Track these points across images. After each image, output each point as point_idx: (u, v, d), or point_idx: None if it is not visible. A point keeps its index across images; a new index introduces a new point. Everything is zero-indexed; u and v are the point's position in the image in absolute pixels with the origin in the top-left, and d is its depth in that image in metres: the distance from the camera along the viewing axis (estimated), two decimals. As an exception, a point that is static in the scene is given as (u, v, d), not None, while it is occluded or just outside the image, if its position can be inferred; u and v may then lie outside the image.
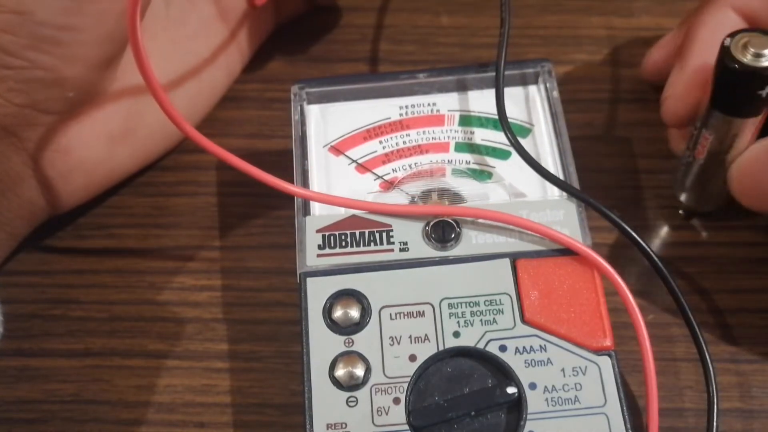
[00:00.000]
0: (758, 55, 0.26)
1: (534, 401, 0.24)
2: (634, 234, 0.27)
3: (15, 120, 0.27)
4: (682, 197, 0.31)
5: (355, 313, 0.26)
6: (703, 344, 0.26)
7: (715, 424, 0.25)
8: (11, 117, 0.27)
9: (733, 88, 0.27)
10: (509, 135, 0.28)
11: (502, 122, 0.29)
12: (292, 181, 0.28)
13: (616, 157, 0.33)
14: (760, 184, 0.28)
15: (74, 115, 0.29)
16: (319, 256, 0.27)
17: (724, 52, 0.26)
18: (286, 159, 0.29)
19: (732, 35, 0.26)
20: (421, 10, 0.38)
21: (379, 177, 0.29)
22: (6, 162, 0.27)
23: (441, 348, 0.25)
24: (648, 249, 0.27)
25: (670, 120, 0.30)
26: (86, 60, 0.27)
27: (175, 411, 0.29)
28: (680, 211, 0.31)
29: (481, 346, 0.25)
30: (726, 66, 0.26)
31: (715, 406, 0.25)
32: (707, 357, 0.26)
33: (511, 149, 0.29)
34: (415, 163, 0.29)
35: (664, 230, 0.32)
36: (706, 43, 0.29)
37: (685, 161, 0.30)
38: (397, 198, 0.29)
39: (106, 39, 0.27)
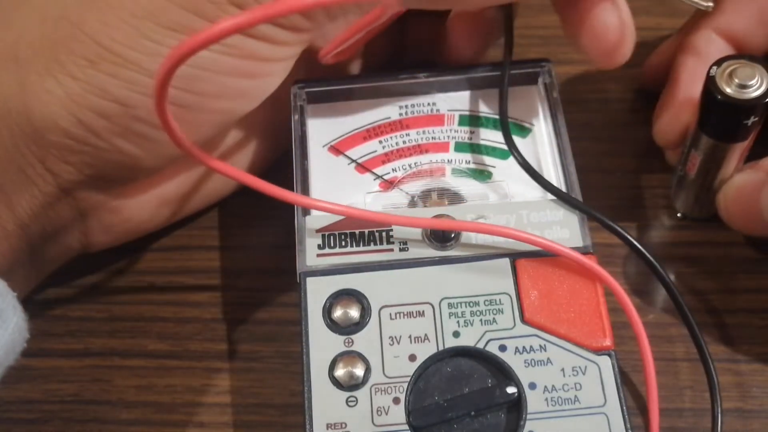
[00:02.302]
0: (743, 86, 0.26)
1: (534, 401, 0.24)
2: (629, 237, 0.27)
3: (77, 186, 0.27)
4: (678, 205, 0.31)
5: (354, 312, 0.26)
6: (703, 344, 0.26)
7: (720, 422, 0.25)
8: (75, 183, 0.27)
9: (719, 117, 0.27)
10: (514, 152, 0.28)
11: (503, 130, 0.29)
12: (292, 182, 0.28)
13: (616, 157, 0.33)
14: (746, 212, 0.28)
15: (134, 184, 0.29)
16: (319, 255, 0.27)
17: (710, 82, 0.26)
18: (286, 159, 0.29)
19: (719, 63, 0.26)
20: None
21: (378, 177, 0.29)
22: (57, 216, 0.27)
23: (441, 348, 0.25)
24: (645, 252, 0.27)
25: (661, 142, 0.30)
26: (169, 157, 0.28)
27: (175, 411, 0.29)
28: (678, 214, 0.31)
29: (480, 345, 0.25)
30: (712, 96, 0.26)
31: (719, 406, 0.25)
32: (708, 357, 0.26)
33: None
34: (414, 163, 0.29)
35: (664, 230, 0.31)
36: (692, 68, 0.30)
37: (678, 174, 0.30)
38: (396, 197, 0.29)
39: (197, 142, 0.26)
